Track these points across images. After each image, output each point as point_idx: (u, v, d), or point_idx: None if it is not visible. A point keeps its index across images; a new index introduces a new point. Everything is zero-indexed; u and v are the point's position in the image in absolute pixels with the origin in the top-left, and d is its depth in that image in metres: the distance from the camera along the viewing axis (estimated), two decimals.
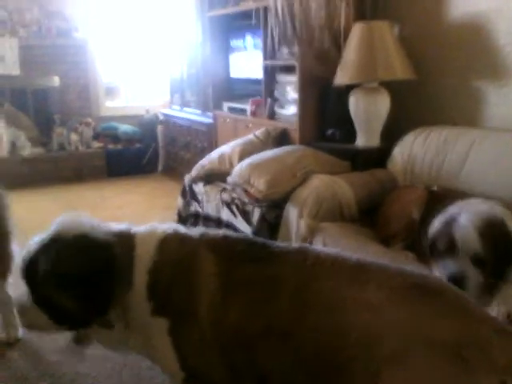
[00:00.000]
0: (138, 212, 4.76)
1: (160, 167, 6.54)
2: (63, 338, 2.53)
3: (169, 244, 1.51)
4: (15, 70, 5.88)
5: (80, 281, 1.42)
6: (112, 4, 6.59)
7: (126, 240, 1.52)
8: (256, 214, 3.02)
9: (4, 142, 5.80)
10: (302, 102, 3.56)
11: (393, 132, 3.24)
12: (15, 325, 2.61)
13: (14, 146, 5.90)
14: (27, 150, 5.87)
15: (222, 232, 1.58)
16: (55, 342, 2.56)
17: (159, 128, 6.45)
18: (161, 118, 6.46)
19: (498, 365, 1.16)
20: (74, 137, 6.20)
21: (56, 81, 6.28)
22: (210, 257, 1.47)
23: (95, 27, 6.49)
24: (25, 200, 4.94)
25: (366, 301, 1.29)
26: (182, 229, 1.59)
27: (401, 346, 1.21)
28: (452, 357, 1.17)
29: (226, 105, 4.80)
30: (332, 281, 1.37)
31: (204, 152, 5.23)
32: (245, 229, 3.15)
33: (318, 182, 2.88)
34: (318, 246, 2.55)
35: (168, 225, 1.60)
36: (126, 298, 1.48)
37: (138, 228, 1.58)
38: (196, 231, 1.59)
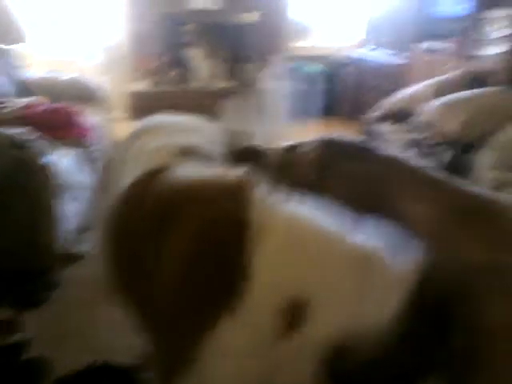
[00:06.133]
0: None
1: (343, 110, 6.42)
2: None
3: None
4: (216, 4, 6.02)
5: None
6: None
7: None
8: (445, 157, 2.82)
9: (203, 73, 6.14)
10: None
11: None
12: None
13: (209, 78, 6.24)
14: (221, 83, 6.16)
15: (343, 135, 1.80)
16: None
17: (346, 69, 6.30)
18: (349, 59, 6.29)
19: None
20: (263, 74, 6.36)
21: (255, 17, 6.34)
22: (317, 150, 1.71)
23: None
24: None
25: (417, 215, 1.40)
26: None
27: None
28: None
29: (422, 45, 4.50)
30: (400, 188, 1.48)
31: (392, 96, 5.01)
32: None
33: None
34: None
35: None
36: None
37: None
38: None
